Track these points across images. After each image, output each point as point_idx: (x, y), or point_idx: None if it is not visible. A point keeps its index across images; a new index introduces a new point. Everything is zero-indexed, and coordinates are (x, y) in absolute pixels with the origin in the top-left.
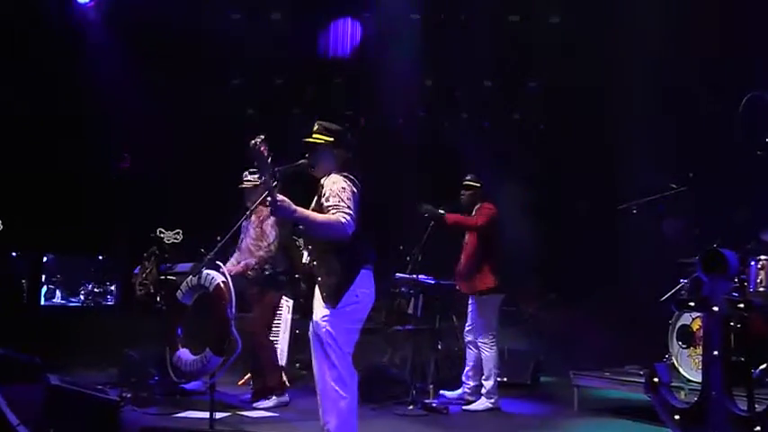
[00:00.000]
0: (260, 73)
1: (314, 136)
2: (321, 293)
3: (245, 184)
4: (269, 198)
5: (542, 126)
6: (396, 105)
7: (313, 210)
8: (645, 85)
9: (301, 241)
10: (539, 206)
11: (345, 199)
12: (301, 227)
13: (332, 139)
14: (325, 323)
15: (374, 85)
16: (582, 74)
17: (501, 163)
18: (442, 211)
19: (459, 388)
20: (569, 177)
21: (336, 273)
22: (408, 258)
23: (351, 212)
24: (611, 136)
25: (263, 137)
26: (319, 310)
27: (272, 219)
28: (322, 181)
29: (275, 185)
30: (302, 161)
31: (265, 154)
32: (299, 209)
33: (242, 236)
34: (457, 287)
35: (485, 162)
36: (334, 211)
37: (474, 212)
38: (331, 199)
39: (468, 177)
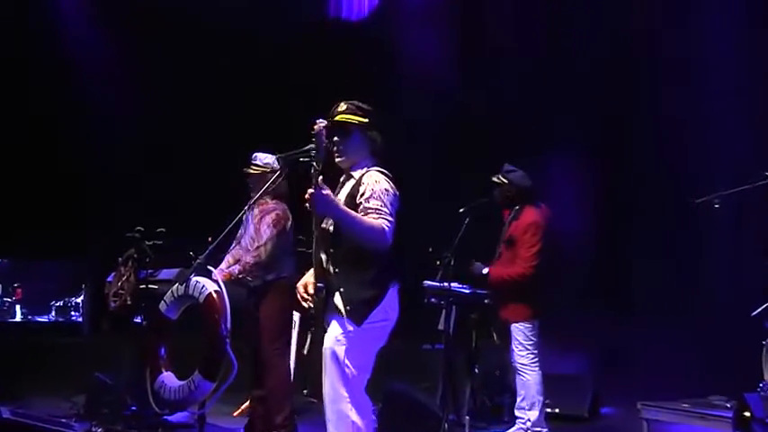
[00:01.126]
0: (252, 46)
1: (342, 116)
2: (344, 307)
3: (253, 169)
4: (311, 188)
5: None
6: (420, 77)
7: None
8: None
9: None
10: (597, 197)
11: (388, 204)
12: (330, 227)
13: (366, 119)
14: (343, 342)
15: (395, 54)
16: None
17: (561, 144)
18: (485, 270)
19: (513, 424)
20: (638, 160)
21: (366, 285)
22: (438, 263)
23: (392, 220)
24: (688, 110)
25: (325, 122)
26: (337, 326)
27: (272, 215)
28: (354, 174)
29: (317, 174)
30: (310, 146)
31: (323, 140)
32: (341, 205)
33: (242, 230)
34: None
35: (540, 142)
36: (377, 216)
37: (512, 218)
38: (373, 201)
39: (504, 168)
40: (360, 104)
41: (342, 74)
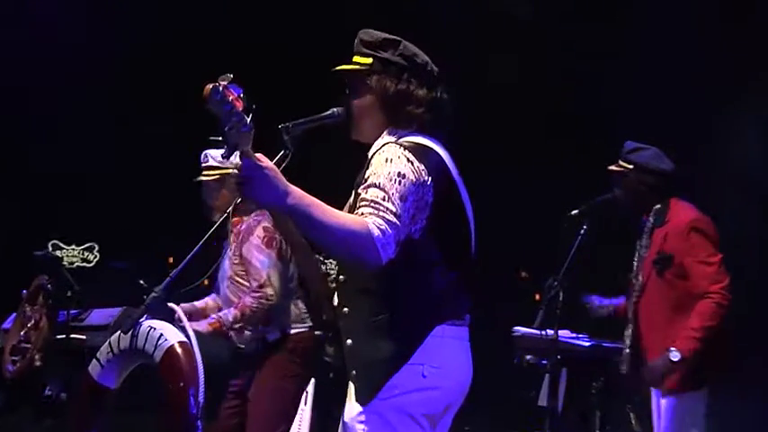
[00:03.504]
0: None
1: (343, 67)
2: (349, 370)
3: (207, 174)
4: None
5: None
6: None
7: (350, 207)
8: None
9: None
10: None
11: (397, 196)
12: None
13: (385, 56)
14: (363, 426)
15: None
16: None
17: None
18: (675, 358)
19: None
20: None
21: (380, 332)
22: (538, 297)
23: (394, 221)
24: None
25: (230, 76)
26: (351, 402)
27: (259, 232)
28: (370, 152)
29: (287, 154)
30: (332, 112)
31: (237, 106)
32: (298, 192)
33: (219, 270)
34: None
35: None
36: (370, 212)
37: (655, 223)
38: (371, 191)
39: (626, 148)
40: (374, 36)
41: None
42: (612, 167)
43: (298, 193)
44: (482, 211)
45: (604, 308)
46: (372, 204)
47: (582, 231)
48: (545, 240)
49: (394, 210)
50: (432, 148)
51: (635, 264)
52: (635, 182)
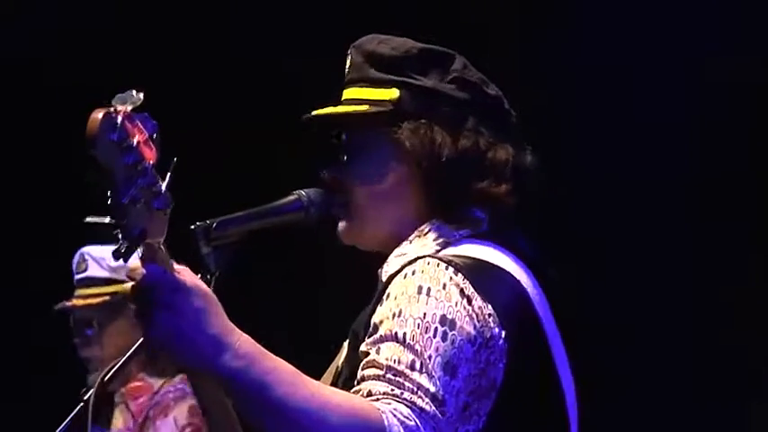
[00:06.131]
0: None
1: (349, 92)
2: None
3: (85, 294)
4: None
5: None
6: None
7: (343, 373)
8: None
9: None
10: None
11: (432, 359)
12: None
13: (425, 84)
14: None
15: None
16: None
17: None
18: None
19: None
20: None
21: None
22: None
23: (433, 410)
24: None
25: (137, 97)
26: None
27: (177, 421)
28: (387, 265)
29: (208, 279)
30: (295, 198)
31: (146, 156)
32: (247, 344)
33: None
34: None
35: None
36: (383, 388)
37: None
38: (385, 347)
39: None
40: (399, 44)
41: None
42: None
43: (248, 347)
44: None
45: None
46: (391, 375)
47: None
48: None
49: (433, 389)
50: (504, 270)
51: None
52: None
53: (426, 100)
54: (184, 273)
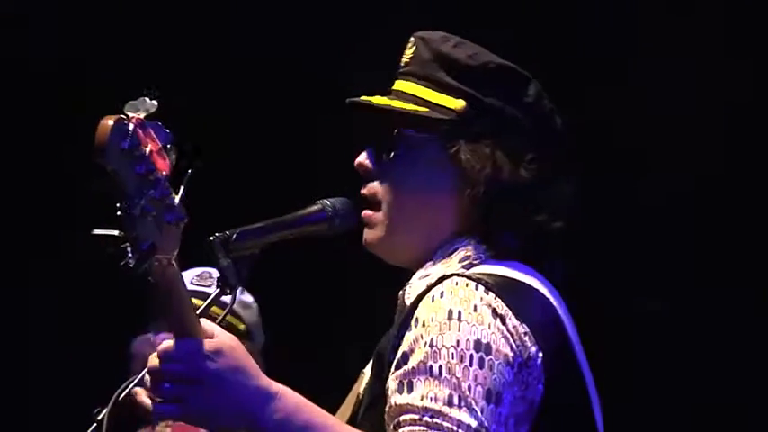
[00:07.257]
0: None
1: (405, 86)
2: None
3: None
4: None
5: None
6: None
7: (358, 405)
8: None
9: None
10: None
11: (472, 390)
12: None
13: (496, 104)
14: None
15: None
16: None
17: None
18: None
19: None
20: None
21: None
22: None
23: None
24: None
25: (151, 104)
26: None
27: None
28: (413, 284)
29: (224, 295)
30: (320, 207)
31: (160, 167)
32: (287, 395)
33: None
34: None
35: None
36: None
37: None
38: (419, 383)
39: None
40: (477, 53)
41: None
42: None
43: (289, 400)
44: None
45: None
46: (428, 417)
47: None
48: None
49: (475, 424)
50: (535, 288)
51: None
52: None
53: (493, 120)
54: (206, 327)
